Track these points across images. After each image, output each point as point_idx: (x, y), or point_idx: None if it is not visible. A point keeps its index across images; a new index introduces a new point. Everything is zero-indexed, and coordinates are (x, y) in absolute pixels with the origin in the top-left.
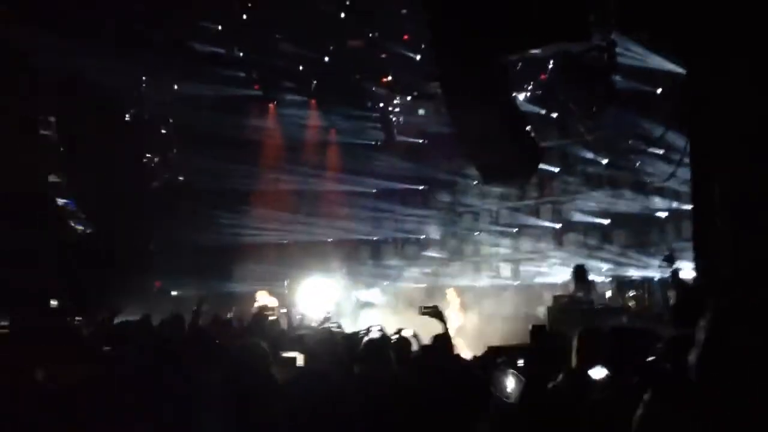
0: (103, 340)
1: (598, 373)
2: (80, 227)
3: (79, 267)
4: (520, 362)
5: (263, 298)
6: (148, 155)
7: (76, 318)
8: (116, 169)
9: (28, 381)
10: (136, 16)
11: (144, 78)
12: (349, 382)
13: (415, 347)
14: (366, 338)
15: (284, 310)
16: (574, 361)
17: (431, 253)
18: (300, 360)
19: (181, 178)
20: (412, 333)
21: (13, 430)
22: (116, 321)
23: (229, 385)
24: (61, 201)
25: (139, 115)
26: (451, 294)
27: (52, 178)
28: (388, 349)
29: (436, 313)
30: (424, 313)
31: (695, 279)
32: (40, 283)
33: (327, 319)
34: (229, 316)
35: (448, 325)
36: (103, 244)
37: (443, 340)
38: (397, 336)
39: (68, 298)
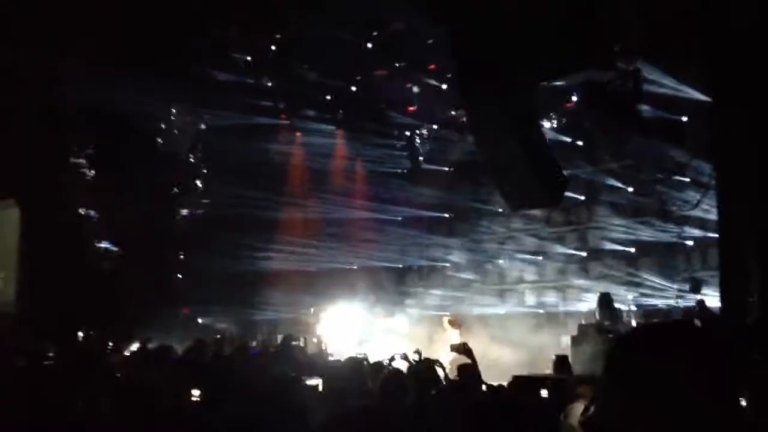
0: (133, 370)
1: None
2: (110, 257)
3: (108, 297)
4: (544, 392)
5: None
6: (176, 184)
7: (106, 347)
8: (145, 197)
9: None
10: (166, 47)
11: (173, 108)
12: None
13: (440, 374)
14: (387, 370)
15: (314, 339)
16: None
17: (456, 280)
18: (320, 386)
19: (208, 207)
20: (402, 356)
21: None
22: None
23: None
24: (91, 231)
25: (167, 145)
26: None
27: (83, 209)
28: (407, 382)
29: (465, 350)
30: (453, 350)
31: (721, 308)
32: (70, 313)
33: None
34: (254, 344)
35: (476, 361)
36: (131, 272)
37: (470, 373)
38: (414, 362)
39: (97, 328)
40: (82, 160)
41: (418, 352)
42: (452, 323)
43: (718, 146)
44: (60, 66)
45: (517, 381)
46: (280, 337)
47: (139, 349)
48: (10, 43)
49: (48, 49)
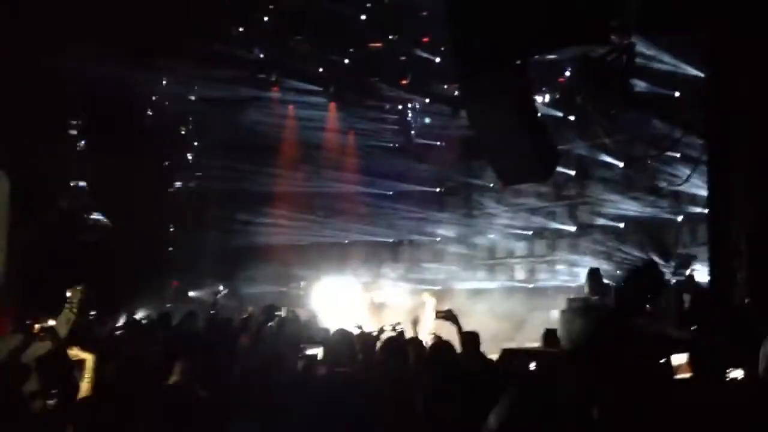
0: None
1: None
2: (100, 228)
3: (97, 268)
4: (532, 365)
5: None
6: (167, 157)
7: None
8: (135, 170)
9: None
10: (155, 19)
11: (163, 80)
12: (370, 381)
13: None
14: (383, 337)
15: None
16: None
17: (447, 255)
18: (320, 354)
19: (199, 180)
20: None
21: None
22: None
23: (256, 378)
24: (81, 202)
25: (158, 117)
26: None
27: (73, 181)
28: (406, 348)
29: (451, 317)
30: (438, 318)
31: (710, 283)
32: (59, 284)
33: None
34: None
35: (461, 327)
36: (122, 244)
37: (471, 340)
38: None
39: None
40: (72, 132)
41: (395, 325)
42: (433, 295)
43: (710, 122)
44: (50, 38)
45: (507, 353)
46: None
47: (126, 321)
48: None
49: (38, 22)
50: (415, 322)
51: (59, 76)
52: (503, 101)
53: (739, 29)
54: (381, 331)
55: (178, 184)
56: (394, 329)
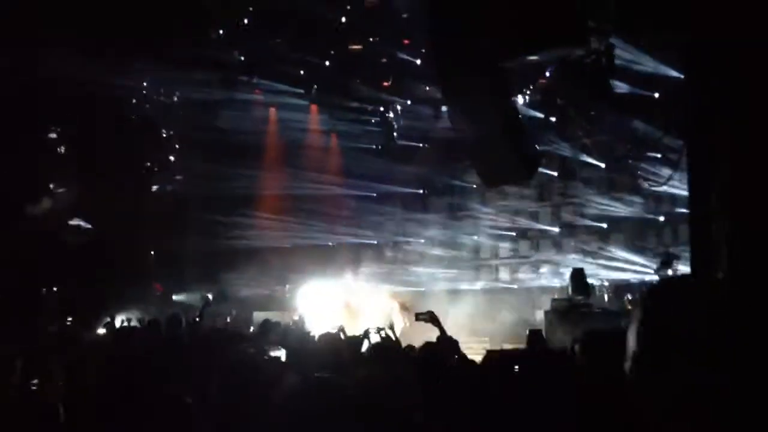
0: (105, 345)
1: None
2: (81, 233)
3: (78, 272)
4: (516, 367)
5: None
6: (148, 160)
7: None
8: (117, 173)
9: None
10: (137, 22)
11: (145, 83)
12: (353, 386)
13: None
14: (369, 341)
15: (294, 317)
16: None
17: (430, 256)
18: (283, 356)
19: (181, 183)
20: (376, 330)
21: None
22: (124, 325)
23: (228, 390)
24: (63, 206)
25: (138, 120)
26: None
27: (53, 184)
28: (395, 351)
29: (432, 318)
30: (419, 319)
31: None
32: (39, 289)
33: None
34: (228, 320)
35: (444, 329)
36: (104, 248)
37: (447, 342)
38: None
39: (65, 303)
40: (52, 135)
41: (380, 329)
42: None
43: (690, 122)
44: (29, 42)
45: (490, 355)
46: (255, 315)
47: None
48: None
49: (18, 25)
50: (391, 326)
51: (38, 79)
52: (484, 103)
53: (716, 31)
54: (366, 334)
55: (158, 186)
56: (378, 332)
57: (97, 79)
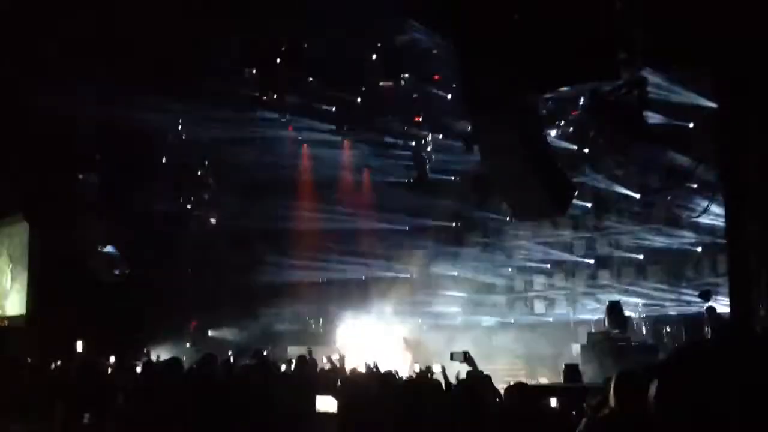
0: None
1: None
2: (118, 270)
3: (116, 310)
4: (553, 402)
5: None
6: (184, 196)
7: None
8: (153, 210)
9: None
10: (172, 61)
11: (180, 120)
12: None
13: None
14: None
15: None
16: (612, 402)
17: (465, 290)
18: (333, 407)
19: (216, 219)
20: (440, 370)
21: None
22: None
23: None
24: (100, 243)
25: (175, 157)
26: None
27: (91, 221)
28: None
29: (467, 359)
30: (454, 359)
31: (730, 314)
32: (77, 326)
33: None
34: (264, 353)
35: (478, 368)
36: (141, 285)
37: (480, 379)
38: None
39: (103, 341)
40: (90, 175)
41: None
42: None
43: (724, 153)
44: (68, 83)
45: (525, 390)
46: (290, 350)
47: (144, 363)
48: (19, 63)
49: (56, 67)
50: (469, 361)
51: (76, 118)
52: (514, 137)
53: (745, 62)
54: (428, 371)
55: (194, 223)
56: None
57: (133, 117)
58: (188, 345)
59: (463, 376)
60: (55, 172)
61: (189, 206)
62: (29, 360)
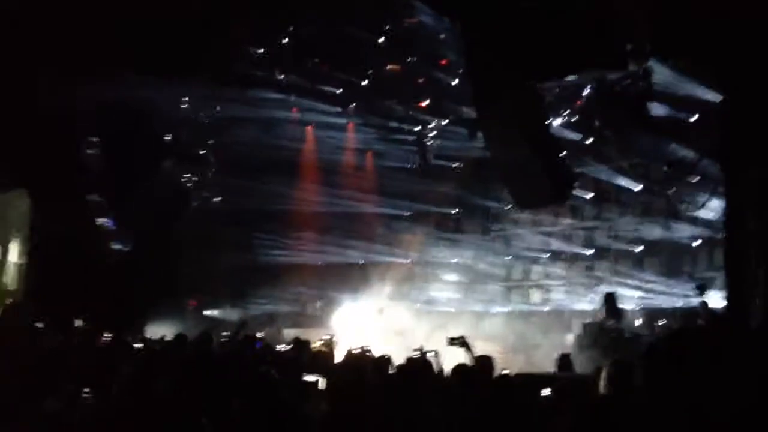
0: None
1: None
2: (118, 246)
3: (114, 288)
4: (545, 391)
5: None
6: (186, 176)
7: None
8: (155, 189)
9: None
10: (177, 40)
11: (183, 100)
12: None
13: (435, 368)
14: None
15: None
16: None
17: (463, 277)
18: (322, 383)
19: (218, 200)
20: (433, 354)
21: None
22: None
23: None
24: (100, 220)
25: (177, 137)
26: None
27: (92, 197)
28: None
29: (464, 344)
30: (452, 344)
31: (725, 310)
32: (75, 303)
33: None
34: (259, 335)
35: (474, 354)
36: (138, 264)
37: (486, 365)
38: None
39: (101, 319)
40: (91, 152)
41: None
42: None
43: (727, 147)
44: (71, 60)
45: (520, 378)
46: (286, 332)
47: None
48: (19, 41)
49: (58, 44)
50: (466, 345)
51: (78, 97)
52: (519, 125)
53: (750, 56)
54: (423, 355)
55: (195, 203)
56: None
57: (136, 95)
58: (187, 323)
59: (458, 361)
60: (56, 150)
61: (190, 185)
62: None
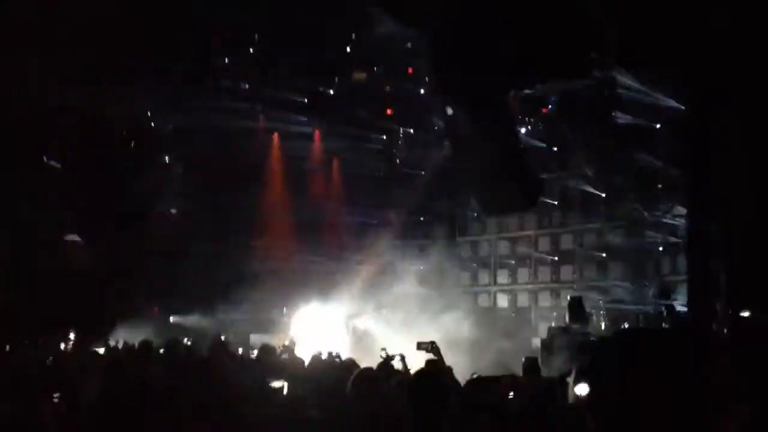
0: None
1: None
2: (80, 254)
3: (77, 293)
4: (511, 394)
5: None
6: (150, 184)
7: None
8: (118, 197)
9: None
10: (143, 49)
11: (148, 108)
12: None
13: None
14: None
15: (287, 341)
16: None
17: (428, 282)
18: (285, 389)
19: (182, 207)
20: (399, 358)
21: None
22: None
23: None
24: (64, 229)
25: (142, 144)
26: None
27: (56, 208)
28: (380, 380)
29: (433, 349)
30: (421, 348)
31: (688, 313)
32: (35, 309)
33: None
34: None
35: (443, 359)
36: (101, 270)
37: (440, 366)
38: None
39: (63, 326)
40: (57, 160)
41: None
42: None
43: (689, 156)
44: (38, 66)
45: (484, 382)
46: (252, 337)
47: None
48: None
49: (25, 51)
50: (436, 351)
51: (43, 104)
52: (486, 133)
53: (713, 66)
54: (389, 360)
55: (160, 210)
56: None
57: (99, 102)
58: (150, 330)
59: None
60: (21, 157)
61: (155, 194)
62: None
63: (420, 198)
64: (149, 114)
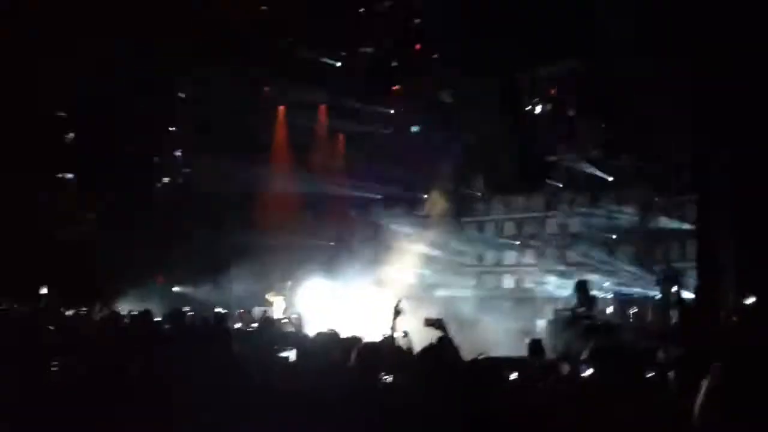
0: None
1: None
2: (85, 222)
3: (82, 262)
4: (514, 375)
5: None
6: (155, 154)
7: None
8: (123, 166)
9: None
10: (149, 14)
11: (154, 77)
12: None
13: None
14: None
15: (295, 315)
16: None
17: (435, 261)
18: (293, 356)
19: (186, 179)
20: (402, 334)
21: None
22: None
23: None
24: (67, 196)
25: (147, 115)
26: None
27: (61, 174)
28: (381, 354)
29: (440, 326)
30: (428, 325)
31: (696, 299)
32: (40, 274)
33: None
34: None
35: (450, 337)
36: (108, 239)
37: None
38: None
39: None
40: (60, 123)
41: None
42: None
43: (698, 141)
44: (42, 32)
45: (488, 362)
46: (256, 310)
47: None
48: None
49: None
50: (442, 328)
51: (47, 69)
52: (495, 112)
53: (722, 45)
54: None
55: (165, 180)
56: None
57: (106, 71)
58: (154, 300)
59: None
60: (23, 119)
61: (159, 164)
62: None
63: (426, 174)
64: (155, 83)
